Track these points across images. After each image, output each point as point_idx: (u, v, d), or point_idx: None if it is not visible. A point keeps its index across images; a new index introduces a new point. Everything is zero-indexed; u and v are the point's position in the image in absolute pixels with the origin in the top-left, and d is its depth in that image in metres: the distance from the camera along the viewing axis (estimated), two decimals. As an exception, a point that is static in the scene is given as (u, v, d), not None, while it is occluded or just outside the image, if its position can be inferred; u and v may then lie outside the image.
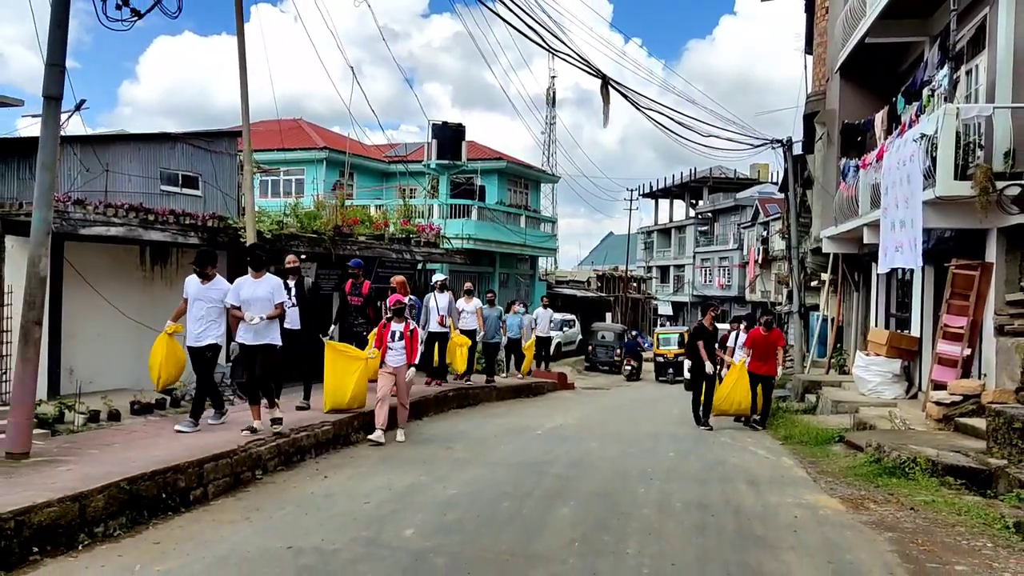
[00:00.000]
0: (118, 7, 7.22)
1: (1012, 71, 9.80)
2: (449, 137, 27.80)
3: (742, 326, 13.00)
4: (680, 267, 61.15)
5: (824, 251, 17.26)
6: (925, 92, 10.85)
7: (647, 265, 65.51)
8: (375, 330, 9.70)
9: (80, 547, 4.68)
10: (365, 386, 9.14)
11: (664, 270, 64.06)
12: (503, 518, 5.74)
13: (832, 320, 18.66)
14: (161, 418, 9.11)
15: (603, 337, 30.73)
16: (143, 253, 13.91)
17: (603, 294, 44.60)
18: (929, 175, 9.73)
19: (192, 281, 7.61)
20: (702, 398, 11.78)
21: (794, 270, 19.51)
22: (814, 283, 22.75)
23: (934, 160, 9.68)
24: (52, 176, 5.85)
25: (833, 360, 17.47)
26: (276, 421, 7.54)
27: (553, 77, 64.59)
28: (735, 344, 12.46)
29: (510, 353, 17.06)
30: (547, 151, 52.72)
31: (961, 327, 10.07)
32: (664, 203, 66.89)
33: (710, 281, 55.12)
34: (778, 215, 35.54)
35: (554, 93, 54.84)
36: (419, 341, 9.03)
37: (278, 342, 7.62)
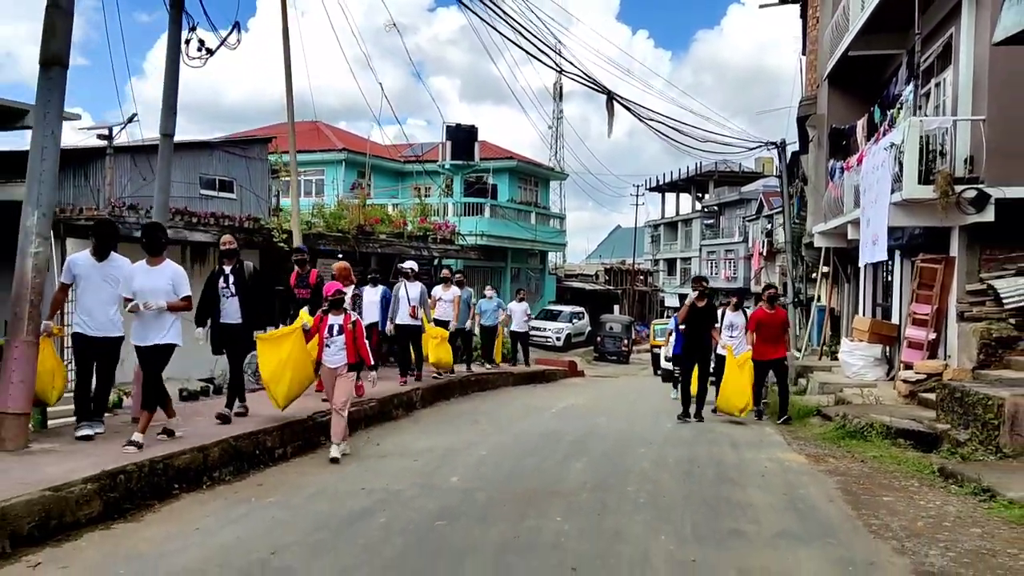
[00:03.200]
0: (198, 49, 8.57)
1: (972, 86, 11.05)
2: (463, 138, 29.16)
3: (732, 302, 12.01)
4: (687, 260, 62.29)
5: (816, 245, 18.55)
6: (898, 104, 12.09)
7: (654, 258, 66.70)
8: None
9: (204, 486, 6.05)
10: (303, 369, 7.59)
11: (671, 263, 65.22)
12: (528, 470, 7.10)
13: (829, 310, 19.92)
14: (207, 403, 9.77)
15: (611, 328, 32.06)
16: (184, 252, 15.34)
17: (611, 287, 45.91)
18: (898, 179, 11.00)
19: (82, 260, 6.45)
20: (693, 388, 10.71)
21: (788, 263, 20.78)
22: (815, 275, 24.03)
23: (902, 166, 10.95)
24: (166, 196, 7.29)
25: (825, 347, 18.74)
26: (167, 431, 6.47)
27: (561, 71, 65.41)
28: (721, 324, 11.35)
29: (485, 341, 15.84)
30: (554, 145, 53.88)
31: (927, 314, 11.34)
32: (671, 196, 68.07)
33: (716, 273, 56.26)
34: (780, 208, 36.78)
35: (561, 87, 55.89)
36: (364, 336, 7.64)
37: (176, 341, 6.53)
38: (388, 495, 6.05)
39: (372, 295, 11.08)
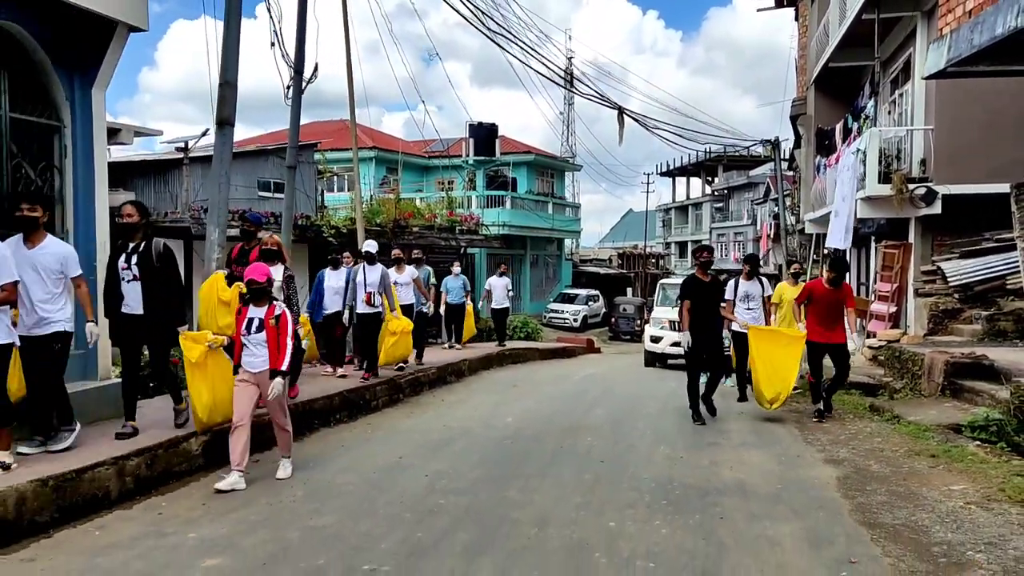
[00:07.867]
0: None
1: (924, 101, 13.16)
2: (484, 136, 31.45)
3: (745, 269, 10.25)
4: (697, 242, 64.28)
5: (807, 232, 20.72)
6: (863, 116, 14.22)
7: (665, 241, 68.77)
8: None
9: (332, 423, 8.38)
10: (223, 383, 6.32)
11: (682, 246, 67.22)
12: (562, 415, 9.40)
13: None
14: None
15: (624, 310, 34.24)
16: (246, 249, 17.75)
17: (624, 271, 48.07)
18: (863, 179, 13.15)
19: (10, 243, 5.43)
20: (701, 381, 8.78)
21: (784, 247, 22.95)
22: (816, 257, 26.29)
23: (867, 167, 13.10)
24: (291, 213, 9.50)
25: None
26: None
27: (570, 58, 67.04)
28: (734, 296, 9.83)
29: (450, 321, 15.34)
30: (565, 131, 55.78)
31: (889, 291, 13.51)
32: (681, 180, 70.04)
33: (726, 255, 58.23)
34: (788, 192, 38.81)
35: (572, 73, 57.63)
36: (288, 334, 6.01)
37: (10, 339, 5.19)
38: (462, 429, 8.37)
39: (335, 280, 10.25)
